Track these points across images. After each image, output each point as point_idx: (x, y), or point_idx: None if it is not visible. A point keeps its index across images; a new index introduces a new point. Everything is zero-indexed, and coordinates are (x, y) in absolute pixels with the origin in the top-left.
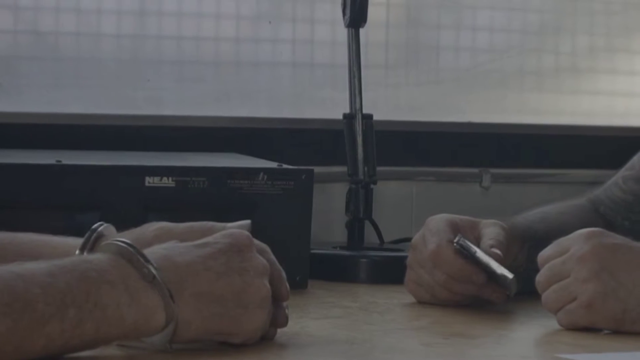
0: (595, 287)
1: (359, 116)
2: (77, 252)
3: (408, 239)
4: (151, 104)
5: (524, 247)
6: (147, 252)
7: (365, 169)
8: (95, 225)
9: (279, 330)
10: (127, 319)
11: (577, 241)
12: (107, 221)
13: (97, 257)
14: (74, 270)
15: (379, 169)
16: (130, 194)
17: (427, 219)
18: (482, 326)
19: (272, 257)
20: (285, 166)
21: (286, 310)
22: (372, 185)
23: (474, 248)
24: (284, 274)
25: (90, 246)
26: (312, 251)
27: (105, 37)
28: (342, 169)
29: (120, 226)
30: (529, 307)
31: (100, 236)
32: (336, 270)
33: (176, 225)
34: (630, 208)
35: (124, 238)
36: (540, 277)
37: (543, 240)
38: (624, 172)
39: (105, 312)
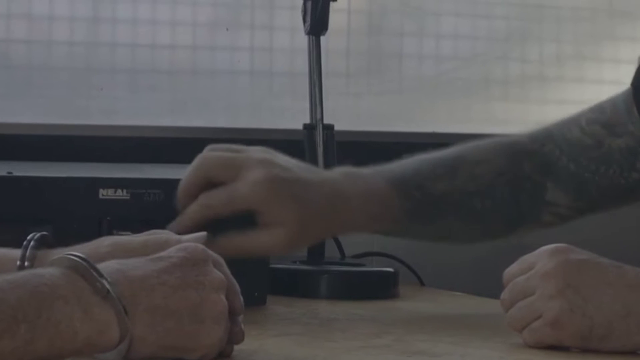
0: (560, 304)
1: (320, 126)
2: (17, 262)
3: (370, 254)
4: (105, 113)
5: (401, 208)
6: (100, 266)
7: None
8: (31, 235)
9: (235, 347)
10: (80, 335)
11: (541, 257)
12: (59, 235)
13: (49, 271)
14: (25, 285)
15: None
16: (84, 207)
17: None
18: (445, 344)
19: (227, 270)
20: None
21: (242, 325)
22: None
23: None
24: (238, 288)
25: (30, 257)
26: (271, 266)
27: (57, 45)
28: None
29: (74, 240)
30: (494, 324)
31: (39, 246)
32: (296, 285)
33: (130, 239)
34: (585, 152)
35: (77, 252)
36: (504, 295)
37: (437, 201)
38: (589, 113)
39: (59, 327)
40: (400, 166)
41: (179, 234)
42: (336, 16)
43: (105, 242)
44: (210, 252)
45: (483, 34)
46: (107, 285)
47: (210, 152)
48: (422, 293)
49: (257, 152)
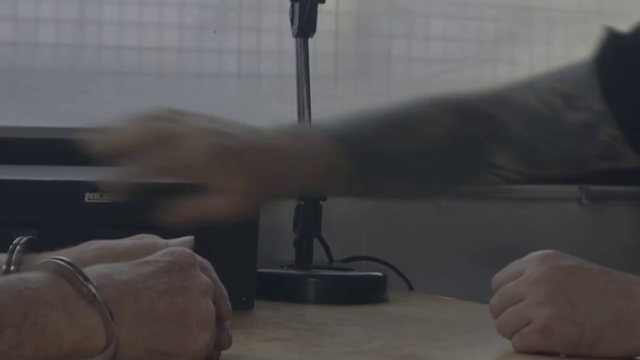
0: (550, 311)
1: None
2: (3, 267)
3: (359, 258)
4: (91, 116)
5: (345, 166)
6: (86, 270)
7: None
8: (17, 240)
9: (223, 352)
10: (66, 340)
11: (531, 264)
12: (45, 239)
13: (34, 275)
14: (11, 290)
15: None
16: (70, 211)
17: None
18: (434, 349)
19: (214, 274)
20: None
21: (229, 331)
22: (321, 202)
23: None
24: (225, 292)
25: (16, 262)
26: (259, 270)
27: (42, 47)
28: None
29: (59, 244)
30: (483, 329)
31: (25, 251)
32: (283, 290)
33: (117, 243)
34: (542, 122)
35: (63, 256)
36: (493, 301)
37: (383, 159)
38: (548, 81)
39: (44, 332)
40: (346, 123)
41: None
42: (324, 18)
43: (91, 246)
44: (198, 257)
45: (472, 36)
46: (93, 290)
47: (151, 119)
48: (410, 297)
49: (198, 119)
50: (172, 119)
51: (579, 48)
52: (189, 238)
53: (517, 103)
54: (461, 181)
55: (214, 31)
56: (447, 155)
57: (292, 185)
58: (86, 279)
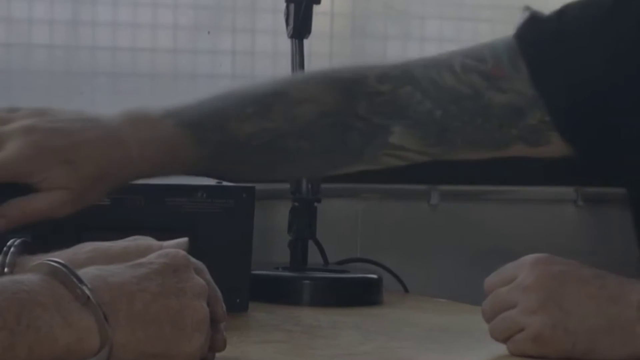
0: (542, 319)
1: None
2: None
3: (353, 260)
4: None
5: (194, 154)
6: (80, 272)
7: (309, 186)
8: (10, 241)
9: (217, 354)
10: (60, 342)
11: (522, 269)
12: (39, 241)
13: (28, 277)
14: (4, 292)
15: (323, 186)
16: None
17: None
18: (429, 351)
19: (209, 276)
20: (225, 184)
21: (224, 333)
22: (315, 203)
23: None
24: (220, 295)
25: (10, 264)
26: (253, 272)
27: (36, 48)
28: (284, 186)
29: (53, 246)
30: (478, 332)
31: (19, 252)
32: (278, 292)
33: (110, 245)
34: (459, 100)
35: (57, 258)
36: (485, 306)
37: (241, 143)
38: (464, 59)
39: (38, 334)
40: (202, 105)
41: None
42: (319, 19)
43: (85, 248)
44: (192, 259)
45: (468, 37)
46: (87, 292)
47: None
48: (406, 300)
49: (24, 116)
50: None
51: None
52: (183, 240)
53: (426, 80)
54: (345, 161)
55: (209, 32)
56: (322, 135)
57: (131, 175)
58: (80, 280)
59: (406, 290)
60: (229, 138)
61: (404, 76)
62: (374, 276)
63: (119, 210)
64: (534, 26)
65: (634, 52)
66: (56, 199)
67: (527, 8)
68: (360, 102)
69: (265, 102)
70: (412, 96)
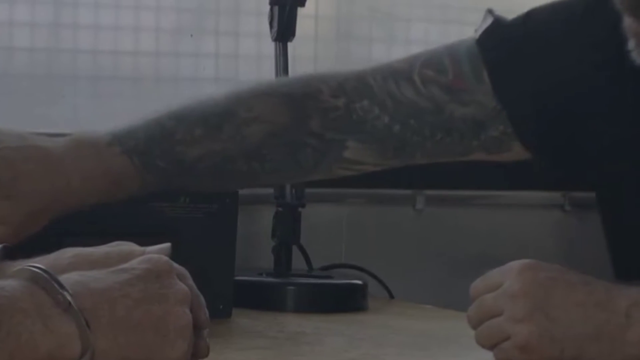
0: (529, 328)
1: None
2: None
3: (338, 265)
4: (66, 121)
5: (141, 181)
6: (62, 278)
7: (293, 191)
8: None
9: None
10: (41, 348)
11: (509, 275)
12: (20, 246)
13: (9, 283)
14: None
15: (308, 191)
16: None
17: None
18: (415, 358)
19: (191, 282)
20: None
21: (207, 339)
22: (300, 209)
23: None
24: (203, 301)
25: None
26: (237, 278)
27: (17, 51)
28: (268, 191)
29: (34, 252)
30: (464, 338)
31: (0, 258)
32: (262, 298)
33: (92, 251)
34: (419, 115)
35: (38, 264)
36: (470, 312)
37: (189, 167)
38: (423, 69)
39: (19, 341)
40: (149, 128)
41: None
42: (303, 22)
43: (67, 253)
44: (175, 265)
45: (454, 40)
46: (69, 298)
47: None
48: (391, 306)
49: None
50: None
51: None
52: (166, 245)
53: (384, 93)
54: (298, 176)
55: (191, 35)
56: (273, 155)
57: (73, 205)
58: (61, 286)
59: (391, 296)
60: (176, 163)
61: (360, 89)
62: (359, 282)
63: (100, 215)
64: (497, 33)
65: (602, 61)
66: None
67: (490, 12)
68: (313, 118)
69: (214, 123)
70: (369, 110)
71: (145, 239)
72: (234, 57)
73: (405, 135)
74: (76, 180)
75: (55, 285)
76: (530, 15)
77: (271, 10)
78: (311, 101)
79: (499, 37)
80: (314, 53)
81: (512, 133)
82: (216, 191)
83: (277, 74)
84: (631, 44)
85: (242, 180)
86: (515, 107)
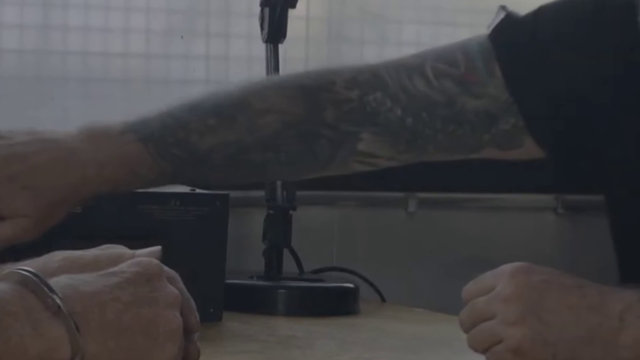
0: (522, 331)
1: None
2: None
3: (329, 269)
4: (56, 123)
5: (156, 170)
6: (51, 281)
7: (284, 193)
8: None
9: None
10: (30, 352)
11: (501, 278)
12: (9, 250)
13: None
14: None
15: (299, 193)
16: None
17: None
18: None
19: (182, 286)
20: (198, 191)
21: (197, 343)
22: (291, 211)
23: None
24: (193, 304)
25: None
26: (227, 281)
27: (6, 53)
28: (259, 193)
29: (23, 255)
30: (456, 342)
31: None
32: (252, 301)
33: (82, 254)
34: (431, 108)
35: (28, 267)
36: (462, 316)
37: (204, 157)
38: (435, 63)
39: (8, 344)
40: (163, 117)
41: None
42: (295, 24)
43: (56, 257)
44: (165, 268)
45: (446, 42)
46: (58, 301)
47: None
48: (383, 309)
49: None
50: None
51: None
52: (156, 248)
53: (397, 86)
54: (314, 169)
55: (182, 37)
56: (288, 146)
57: (90, 194)
58: (51, 290)
59: (383, 299)
60: (190, 152)
61: (373, 81)
62: (350, 285)
63: (90, 218)
64: (509, 28)
65: (613, 57)
66: (19, 226)
67: (503, 8)
68: (327, 109)
69: (228, 113)
70: (382, 103)
71: (135, 242)
72: (224, 58)
73: (417, 127)
74: (92, 169)
75: (45, 288)
76: (542, 11)
77: (262, 11)
78: (325, 93)
79: (511, 32)
80: (305, 55)
81: (524, 127)
82: (230, 183)
83: (268, 76)
84: None
85: (256, 171)
86: (527, 100)
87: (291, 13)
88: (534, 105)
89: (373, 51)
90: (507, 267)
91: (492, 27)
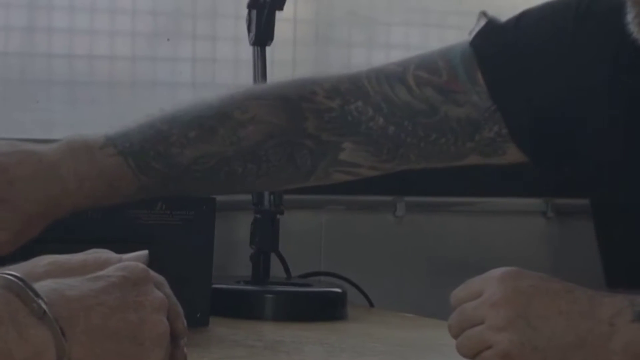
0: (510, 337)
1: None
2: None
3: (317, 273)
4: (41, 127)
5: (135, 184)
6: (37, 286)
7: (271, 197)
8: None
9: None
10: (15, 357)
11: (490, 284)
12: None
13: None
14: None
15: (286, 197)
16: None
17: None
18: None
19: (169, 290)
20: None
21: (184, 349)
22: (278, 215)
23: None
24: (180, 309)
25: None
26: (214, 286)
27: None
28: (246, 197)
29: (9, 260)
30: (445, 347)
31: None
32: (240, 306)
33: (68, 258)
34: (413, 116)
35: (13, 271)
36: (451, 321)
37: (184, 170)
38: (417, 71)
39: None
40: (143, 130)
41: None
42: (282, 26)
43: (42, 261)
44: (152, 272)
45: (435, 44)
46: (44, 306)
47: None
48: (371, 314)
49: None
50: None
51: None
52: (143, 253)
53: (379, 95)
54: (295, 180)
55: (168, 39)
56: (269, 157)
57: (68, 209)
58: (36, 294)
59: (371, 304)
60: (171, 165)
61: (354, 90)
62: (338, 290)
63: (76, 222)
64: (491, 35)
65: (598, 62)
66: None
67: (484, 14)
68: (308, 119)
69: (208, 125)
70: (363, 112)
71: (121, 247)
72: (211, 61)
73: (399, 136)
74: (72, 183)
75: (30, 293)
76: (524, 16)
77: (249, 14)
78: (306, 103)
79: (493, 38)
80: (292, 57)
81: (507, 134)
82: (212, 194)
83: (255, 79)
84: (630, 16)
85: (238, 182)
86: (510, 107)
87: (278, 15)
88: (517, 112)
89: (361, 54)
90: (496, 272)
91: (474, 33)
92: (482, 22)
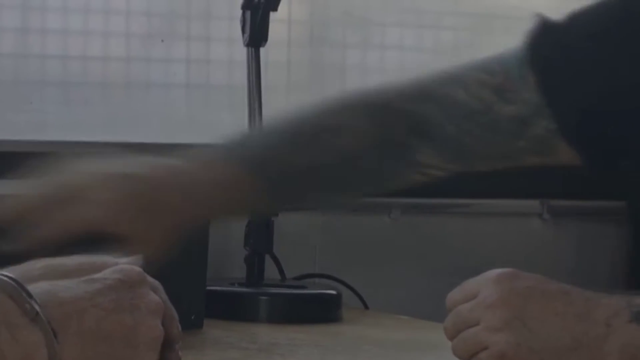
0: (506, 338)
1: None
2: None
3: (312, 275)
4: (34, 128)
5: (258, 191)
6: (30, 287)
7: None
8: None
9: None
10: (7, 358)
11: (486, 285)
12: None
13: None
14: None
15: None
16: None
17: None
18: None
19: (164, 295)
20: None
21: (179, 352)
22: (272, 218)
23: None
24: (175, 314)
25: None
26: (208, 288)
27: None
28: None
29: (3, 262)
30: (440, 349)
31: None
32: (234, 308)
33: (64, 261)
34: (470, 116)
35: (7, 273)
36: (447, 323)
37: (297, 177)
38: (475, 73)
39: None
40: (257, 141)
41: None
42: (276, 27)
43: (38, 264)
44: (148, 276)
45: (429, 45)
46: (36, 307)
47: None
48: (366, 316)
49: (97, 166)
50: (69, 172)
51: None
52: (139, 256)
53: (442, 97)
54: (383, 184)
55: (162, 40)
56: (366, 160)
57: (201, 218)
58: (29, 295)
59: (366, 306)
60: (285, 173)
61: (424, 93)
62: (333, 292)
63: None
64: (543, 34)
65: None
66: (149, 252)
67: (537, 14)
68: (391, 125)
69: (311, 133)
70: (432, 114)
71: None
72: (205, 62)
73: (458, 136)
74: (207, 192)
75: (23, 294)
76: (575, 16)
77: (243, 14)
78: (387, 109)
79: (545, 38)
80: (287, 58)
81: (556, 130)
82: (319, 206)
83: (249, 80)
84: None
85: (339, 189)
86: (559, 102)
87: (273, 16)
88: (567, 108)
89: (356, 54)
90: (491, 273)
91: (527, 33)
92: (535, 23)
